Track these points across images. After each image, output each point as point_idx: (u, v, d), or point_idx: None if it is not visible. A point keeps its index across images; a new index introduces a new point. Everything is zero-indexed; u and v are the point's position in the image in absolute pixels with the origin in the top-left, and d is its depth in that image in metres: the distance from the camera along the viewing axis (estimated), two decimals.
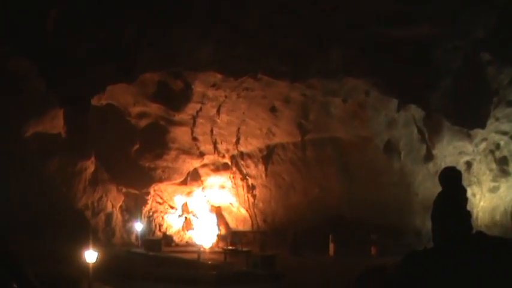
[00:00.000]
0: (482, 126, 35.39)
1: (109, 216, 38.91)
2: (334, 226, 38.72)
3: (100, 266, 23.02)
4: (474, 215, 36.61)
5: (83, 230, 31.09)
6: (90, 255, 22.47)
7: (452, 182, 11.50)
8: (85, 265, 22.44)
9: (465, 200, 11.49)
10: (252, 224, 42.59)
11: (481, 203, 38.16)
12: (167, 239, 39.86)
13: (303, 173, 42.35)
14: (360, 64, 32.31)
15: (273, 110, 39.12)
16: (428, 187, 34.29)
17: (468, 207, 11.78)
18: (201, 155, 40.32)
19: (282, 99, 38.39)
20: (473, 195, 37.58)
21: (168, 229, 41.43)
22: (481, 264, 10.19)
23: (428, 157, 38.94)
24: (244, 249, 33.22)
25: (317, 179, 42.33)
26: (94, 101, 33.90)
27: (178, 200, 41.79)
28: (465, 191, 11.61)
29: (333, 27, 29.40)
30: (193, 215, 42.32)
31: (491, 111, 34.77)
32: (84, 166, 36.40)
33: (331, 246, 36.72)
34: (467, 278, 9.96)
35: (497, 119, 35.33)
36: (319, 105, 39.16)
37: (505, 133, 36.15)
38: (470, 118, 34.79)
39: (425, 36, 30.49)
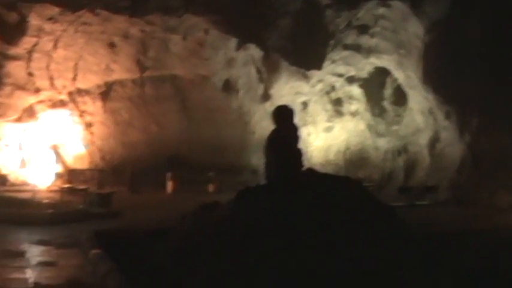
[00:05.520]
0: (319, 67, 36.27)
1: None
2: (173, 164, 38.85)
3: None
4: (309, 154, 37.76)
5: None
6: None
7: (284, 119, 11.72)
8: None
9: (297, 137, 11.74)
10: (90, 162, 41.97)
11: (316, 143, 39.33)
12: (2, 178, 38.58)
13: (142, 111, 42.09)
14: (199, 1, 32.19)
15: (111, 45, 38.42)
16: (265, 126, 34.93)
17: (302, 146, 12.08)
18: (37, 91, 39.04)
19: (121, 34, 37.76)
20: (309, 134, 38.69)
21: (2, 168, 40.11)
22: (310, 198, 10.54)
23: (266, 96, 39.61)
24: (81, 187, 32.75)
25: (156, 117, 42.22)
26: None
27: (14, 137, 40.46)
28: (297, 128, 11.86)
29: None
30: (30, 153, 41.16)
31: (328, 54, 35.66)
32: None
33: (169, 184, 36.80)
34: (297, 211, 10.28)
35: (333, 62, 36.27)
36: (158, 41, 38.86)
37: (340, 75, 37.22)
38: (307, 59, 35.55)
39: None
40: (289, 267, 9.59)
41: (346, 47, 35.41)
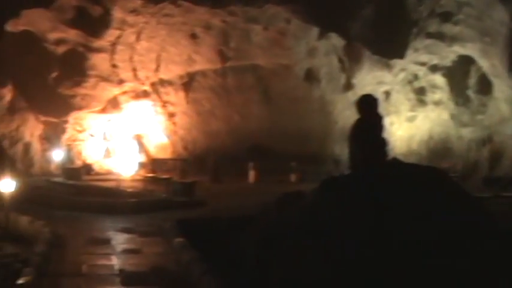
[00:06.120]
0: (401, 56, 35.84)
1: (28, 146, 38.09)
2: (255, 153, 38.97)
3: (19, 196, 22.53)
4: (391, 144, 37.37)
5: None
6: (7, 185, 21.95)
7: (369, 108, 11.58)
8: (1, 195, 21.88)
9: (381, 126, 11.59)
10: (173, 152, 42.50)
11: (399, 132, 38.88)
12: (87, 167, 39.36)
13: (224, 101, 42.39)
14: None
15: (193, 36, 38.82)
16: (348, 116, 34.67)
17: (386, 135, 11.90)
18: (121, 82, 39.71)
19: (202, 25, 38.12)
20: (391, 124, 38.23)
21: (88, 157, 40.94)
22: (395, 187, 10.41)
23: (348, 86, 39.35)
24: (164, 176, 33.17)
25: (237, 107, 42.45)
26: (10, 27, 33.01)
27: (98, 128, 41.24)
28: (381, 117, 11.71)
29: None
30: (114, 143, 41.91)
31: (411, 42, 35.21)
32: (1, 94, 35.53)
33: (252, 173, 36.91)
34: (382, 202, 10.17)
35: (416, 50, 35.77)
36: (240, 32, 39.07)
37: (423, 64, 36.66)
38: (389, 48, 35.15)
39: None
40: (375, 258, 9.51)
41: (429, 35, 34.86)
